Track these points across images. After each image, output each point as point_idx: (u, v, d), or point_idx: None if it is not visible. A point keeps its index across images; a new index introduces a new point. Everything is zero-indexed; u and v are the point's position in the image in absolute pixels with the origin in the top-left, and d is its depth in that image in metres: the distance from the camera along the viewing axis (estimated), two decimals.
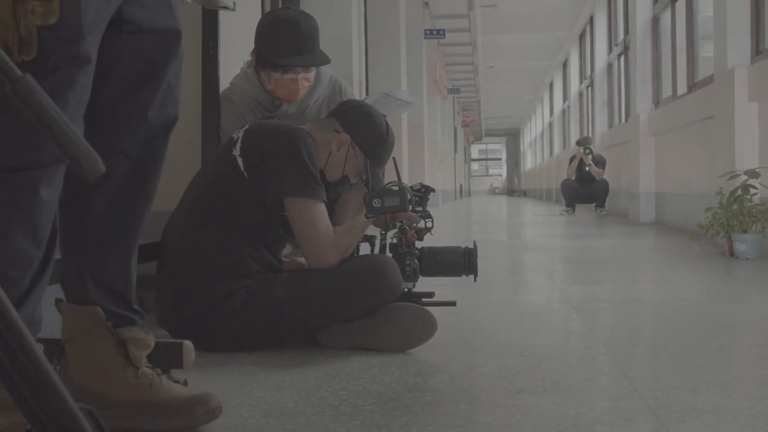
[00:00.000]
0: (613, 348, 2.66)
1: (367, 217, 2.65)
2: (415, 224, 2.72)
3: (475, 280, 2.83)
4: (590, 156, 13.48)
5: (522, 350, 2.65)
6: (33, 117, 1.00)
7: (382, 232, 2.80)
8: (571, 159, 14.06)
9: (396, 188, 2.69)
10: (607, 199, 13.14)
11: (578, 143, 14.03)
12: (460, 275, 2.80)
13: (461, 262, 2.75)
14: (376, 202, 2.63)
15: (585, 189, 13.57)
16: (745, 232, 5.60)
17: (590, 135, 15.87)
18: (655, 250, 6.94)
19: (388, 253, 2.74)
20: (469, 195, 37.21)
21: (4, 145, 1.52)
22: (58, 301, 1.83)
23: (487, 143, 57.98)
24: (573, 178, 13.72)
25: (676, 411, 1.89)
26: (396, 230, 2.72)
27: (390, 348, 2.59)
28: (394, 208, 2.64)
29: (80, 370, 1.79)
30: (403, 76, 11.37)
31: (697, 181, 8.16)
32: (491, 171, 60.91)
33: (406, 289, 2.70)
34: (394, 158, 2.88)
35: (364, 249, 2.86)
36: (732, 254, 5.64)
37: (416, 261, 2.71)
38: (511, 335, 2.94)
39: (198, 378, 2.11)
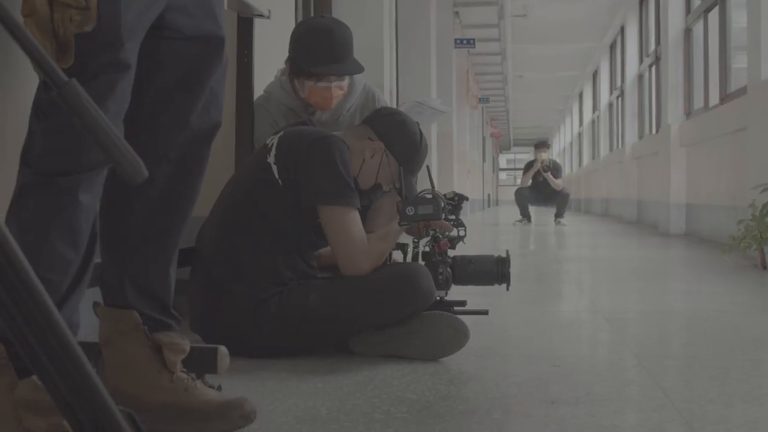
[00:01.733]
0: (645, 359, 2.65)
1: (400, 225, 2.66)
2: (447, 233, 2.72)
3: (507, 290, 2.82)
4: (548, 173, 13.07)
5: (553, 360, 2.64)
6: (78, 122, 1.01)
7: (415, 240, 2.80)
8: (526, 167, 13.79)
9: (430, 196, 2.69)
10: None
11: (536, 147, 13.63)
12: (493, 284, 2.79)
13: (494, 271, 2.75)
14: (410, 210, 2.63)
15: (541, 194, 13.30)
16: None
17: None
18: (686, 261, 6.89)
19: (421, 261, 2.74)
20: (497, 204, 37.11)
21: (46, 151, 1.54)
22: (95, 305, 1.84)
23: (515, 153, 57.83)
24: (529, 185, 13.45)
25: (711, 424, 1.88)
26: (428, 238, 2.72)
27: (422, 356, 2.59)
28: (427, 216, 2.64)
29: (116, 373, 1.80)
30: (433, 85, 11.37)
31: (728, 193, 8.10)
32: (518, 181, 60.81)
33: (438, 298, 2.70)
34: (428, 166, 2.88)
35: (397, 257, 2.86)
36: (765, 267, 5.59)
37: (449, 269, 2.71)
38: (541, 345, 2.94)
39: (231, 384, 2.12)
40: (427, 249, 2.74)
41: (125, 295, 1.79)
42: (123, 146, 1.02)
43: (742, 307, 4.04)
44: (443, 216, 2.67)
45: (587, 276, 5.70)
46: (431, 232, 2.70)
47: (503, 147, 48.24)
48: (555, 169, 13.35)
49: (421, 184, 2.88)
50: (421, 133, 2.85)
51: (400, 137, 2.78)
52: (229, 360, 2.00)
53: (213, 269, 2.61)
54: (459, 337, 2.61)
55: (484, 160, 29.50)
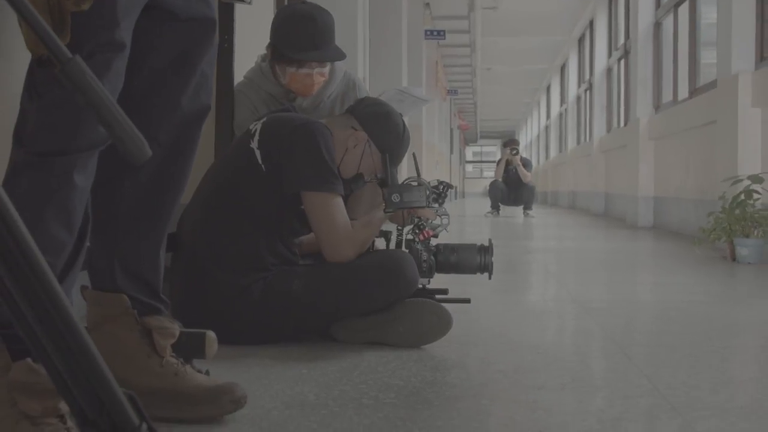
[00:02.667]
0: (627, 347, 2.67)
1: (386, 212, 2.66)
2: (431, 220, 2.72)
3: (490, 278, 2.83)
4: (517, 157, 13.51)
5: (535, 348, 2.65)
6: (81, 99, 1.00)
7: (399, 227, 2.80)
8: (498, 161, 14.09)
9: (415, 184, 2.69)
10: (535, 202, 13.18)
11: (505, 144, 14.05)
12: (475, 273, 2.80)
13: (477, 260, 2.76)
14: (395, 197, 2.63)
15: (512, 191, 13.58)
16: (747, 236, 5.62)
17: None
18: (656, 253, 6.96)
19: (404, 249, 2.74)
20: (464, 197, 37.20)
21: (40, 130, 1.52)
22: (83, 288, 1.82)
23: (482, 145, 58.04)
24: (500, 180, 13.71)
25: (698, 409, 1.90)
26: (412, 226, 2.72)
27: (405, 343, 2.59)
28: (413, 203, 2.64)
29: (104, 357, 1.77)
30: (404, 76, 11.38)
31: (696, 186, 8.19)
32: (486, 173, 60.94)
33: (421, 286, 2.70)
34: (414, 154, 2.88)
35: (379, 244, 2.85)
36: (734, 259, 5.65)
37: (432, 257, 2.71)
38: (522, 333, 2.95)
39: (215, 370, 2.10)
40: (410, 236, 2.74)
41: (114, 278, 1.78)
42: (126, 124, 1.01)
43: (715, 297, 4.08)
44: (427, 204, 2.68)
45: (561, 266, 5.73)
46: (416, 220, 2.70)
47: (470, 139, 48.36)
48: (524, 164, 13.55)
49: (408, 172, 2.88)
50: (404, 124, 2.84)
51: (383, 128, 2.77)
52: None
53: (195, 255, 2.59)
54: (442, 324, 2.62)
55: (451, 152, 29.58)
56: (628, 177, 11.20)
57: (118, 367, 1.77)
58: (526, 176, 13.37)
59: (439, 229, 2.77)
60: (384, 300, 2.58)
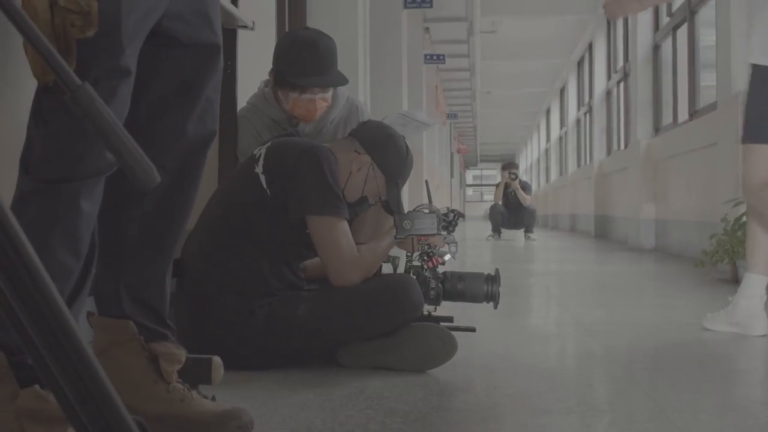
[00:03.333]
0: (632, 370, 2.66)
1: (396, 239, 2.67)
2: (439, 248, 2.73)
3: (495, 308, 2.81)
4: (516, 181, 13.51)
5: (540, 372, 2.64)
6: (91, 126, 1.00)
7: (409, 254, 2.79)
8: (497, 184, 14.09)
9: (427, 211, 2.71)
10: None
11: (504, 168, 14.05)
12: (481, 302, 2.79)
13: (484, 289, 2.75)
14: (407, 224, 2.65)
15: (512, 215, 13.58)
16: None
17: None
18: (658, 276, 6.95)
19: (412, 275, 2.73)
20: (464, 220, 37.21)
21: (47, 157, 1.53)
22: (89, 314, 1.82)
23: (482, 169, 58.08)
24: (500, 203, 13.71)
25: None
26: (419, 252, 2.72)
27: (410, 368, 2.58)
28: (423, 230, 2.65)
29: (110, 383, 1.78)
30: (405, 100, 11.39)
31: (697, 208, 8.18)
32: (486, 197, 60.98)
33: (427, 313, 2.70)
34: (426, 181, 2.90)
35: (387, 269, 2.85)
36: (737, 280, 5.64)
37: (440, 285, 2.71)
38: (526, 356, 2.94)
39: (221, 396, 2.09)
40: (418, 263, 2.74)
41: (121, 304, 1.77)
42: (135, 150, 1.02)
43: None
44: (438, 231, 2.69)
45: (563, 289, 5.72)
46: (425, 247, 2.70)
47: (470, 163, 48.41)
48: (524, 187, 13.54)
49: (417, 198, 2.88)
50: (407, 147, 2.85)
51: (386, 151, 2.78)
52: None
53: (200, 280, 2.59)
54: (447, 348, 2.61)
55: (452, 176, 29.61)
56: (629, 199, 11.20)
57: (125, 393, 1.76)
58: (526, 199, 13.36)
59: (448, 256, 2.77)
60: (389, 324, 2.58)
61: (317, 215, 2.57)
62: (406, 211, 2.73)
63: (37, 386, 1.43)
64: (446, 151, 26.69)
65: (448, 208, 2.87)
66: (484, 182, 61.65)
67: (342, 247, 2.57)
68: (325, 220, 2.57)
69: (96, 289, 1.79)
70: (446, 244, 2.75)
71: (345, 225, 2.61)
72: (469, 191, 58.34)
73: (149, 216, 1.76)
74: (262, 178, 2.60)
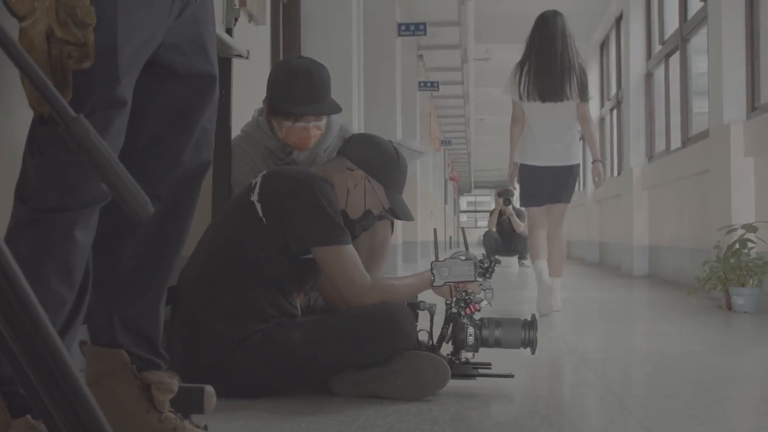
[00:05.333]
0: (626, 399, 2.66)
1: (435, 286, 2.71)
2: (476, 294, 2.73)
3: (532, 353, 2.79)
4: (510, 207, 13.53)
5: (534, 399, 2.64)
6: (85, 158, 1.01)
7: (448, 301, 2.77)
8: (492, 211, 14.10)
9: (464, 258, 2.72)
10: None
11: (498, 194, 14.06)
12: (518, 348, 2.77)
13: (521, 335, 2.73)
14: (444, 272, 2.68)
15: (506, 242, 13.57)
16: (742, 285, 5.62)
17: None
18: (652, 302, 6.95)
19: (450, 322, 2.72)
20: (458, 247, 37.20)
21: (42, 187, 1.53)
22: (82, 343, 1.82)
23: (476, 195, 58.17)
24: (494, 230, 13.73)
25: None
26: (455, 299, 2.72)
27: (403, 396, 2.58)
28: (461, 277, 2.69)
29: (103, 413, 1.77)
30: (399, 127, 11.43)
31: (690, 235, 8.21)
32: (480, 223, 61.00)
33: (464, 359, 2.72)
34: (462, 228, 2.94)
35: (423, 317, 2.81)
36: (730, 308, 5.65)
37: (478, 331, 2.70)
38: (520, 385, 2.93)
39: (213, 424, 2.09)
40: (455, 310, 2.73)
41: (114, 334, 1.78)
42: (129, 182, 1.02)
43: (712, 346, 4.07)
44: (475, 278, 2.70)
45: (557, 316, 5.71)
46: (462, 294, 2.71)
47: (464, 189, 48.50)
48: (518, 214, 13.55)
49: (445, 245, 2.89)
50: (396, 150, 2.88)
51: (376, 159, 2.82)
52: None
53: (195, 308, 2.59)
54: (440, 377, 2.61)
55: (446, 202, 29.65)
56: (622, 226, 11.23)
57: (117, 422, 1.77)
58: (519, 226, 13.36)
59: (484, 302, 2.77)
60: (382, 352, 2.58)
61: (321, 245, 2.61)
62: (440, 258, 2.76)
63: (29, 416, 1.43)
64: (440, 177, 26.73)
65: (483, 254, 2.89)
66: (478, 208, 61.71)
67: (349, 272, 2.63)
68: (329, 249, 2.61)
69: (89, 318, 1.79)
70: (482, 291, 2.76)
71: (349, 250, 2.65)
72: (464, 217, 58.38)
73: (144, 245, 1.77)
74: (258, 206, 2.61)
